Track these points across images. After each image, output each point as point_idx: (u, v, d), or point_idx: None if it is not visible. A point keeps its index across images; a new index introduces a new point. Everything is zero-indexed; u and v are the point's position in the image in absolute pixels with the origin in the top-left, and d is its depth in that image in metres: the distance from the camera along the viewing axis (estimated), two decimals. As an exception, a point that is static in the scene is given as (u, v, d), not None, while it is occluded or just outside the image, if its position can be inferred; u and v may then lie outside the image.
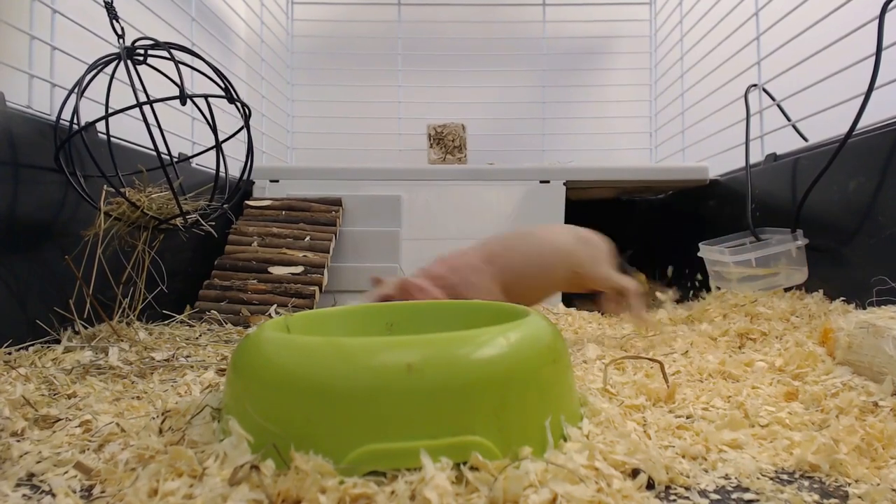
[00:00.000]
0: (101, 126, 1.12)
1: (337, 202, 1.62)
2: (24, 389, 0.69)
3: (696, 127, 1.90)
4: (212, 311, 1.32)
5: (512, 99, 2.35)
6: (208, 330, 1.21)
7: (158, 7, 1.41)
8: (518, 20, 2.39)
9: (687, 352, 0.92)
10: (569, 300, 1.61)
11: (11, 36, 1.02)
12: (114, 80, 1.10)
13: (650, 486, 0.45)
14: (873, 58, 1.04)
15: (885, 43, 1.04)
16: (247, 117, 1.15)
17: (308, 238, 1.51)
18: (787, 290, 1.21)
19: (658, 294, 1.52)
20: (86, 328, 0.99)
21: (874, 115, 1.06)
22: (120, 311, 1.08)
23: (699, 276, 1.54)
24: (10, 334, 0.88)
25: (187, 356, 0.95)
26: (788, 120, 1.41)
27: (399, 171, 1.70)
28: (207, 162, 1.52)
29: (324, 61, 2.35)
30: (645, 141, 2.32)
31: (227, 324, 1.28)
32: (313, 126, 2.32)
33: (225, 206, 1.20)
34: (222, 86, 1.12)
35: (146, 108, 0.96)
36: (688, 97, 1.98)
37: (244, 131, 1.18)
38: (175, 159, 1.23)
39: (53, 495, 0.44)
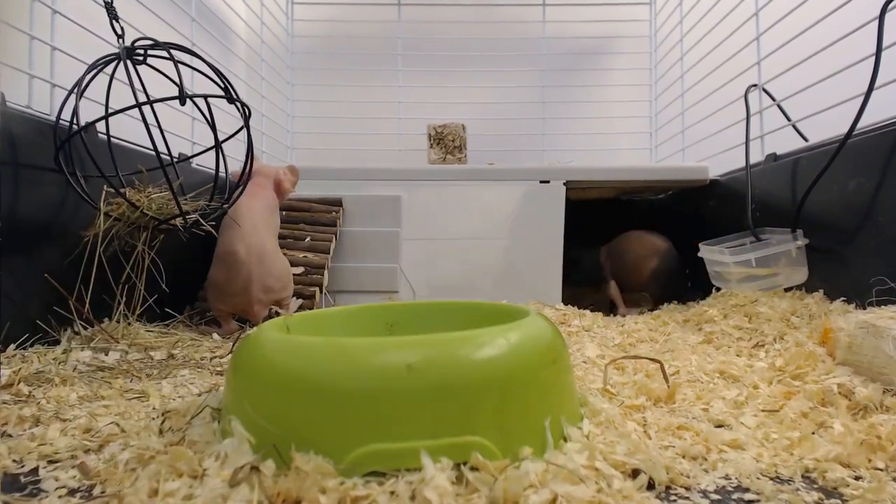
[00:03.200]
0: (100, 126, 1.12)
1: (337, 202, 1.62)
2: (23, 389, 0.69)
3: (696, 127, 1.90)
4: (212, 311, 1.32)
5: (512, 99, 2.35)
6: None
7: (158, 7, 1.41)
8: (518, 20, 2.39)
9: (674, 350, 0.92)
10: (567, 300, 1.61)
11: (11, 36, 1.02)
12: (114, 81, 1.10)
13: (650, 486, 0.45)
14: (873, 58, 1.04)
15: (885, 43, 1.04)
16: (247, 117, 1.15)
17: (308, 239, 1.51)
18: (787, 290, 1.20)
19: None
20: (85, 329, 0.99)
21: (874, 115, 1.06)
22: (118, 311, 1.08)
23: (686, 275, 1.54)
24: (9, 335, 0.88)
25: (186, 357, 0.95)
26: (788, 120, 1.41)
27: (399, 171, 1.70)
28: (207, 162, 1.51)
29: (324, 61, 2.35)
30: (645, 141, 2.32)
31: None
32: (313, 126, 2.32)
33: (225, 206, 1.20)
34: (222, 85, 1.12)
35: (146, 108, 0.96)
36: (688, 97, 1.98)
37: (244, 131, 1.18)
38: (175, 159, 1.23)
39: (55, 496, 0.44)
